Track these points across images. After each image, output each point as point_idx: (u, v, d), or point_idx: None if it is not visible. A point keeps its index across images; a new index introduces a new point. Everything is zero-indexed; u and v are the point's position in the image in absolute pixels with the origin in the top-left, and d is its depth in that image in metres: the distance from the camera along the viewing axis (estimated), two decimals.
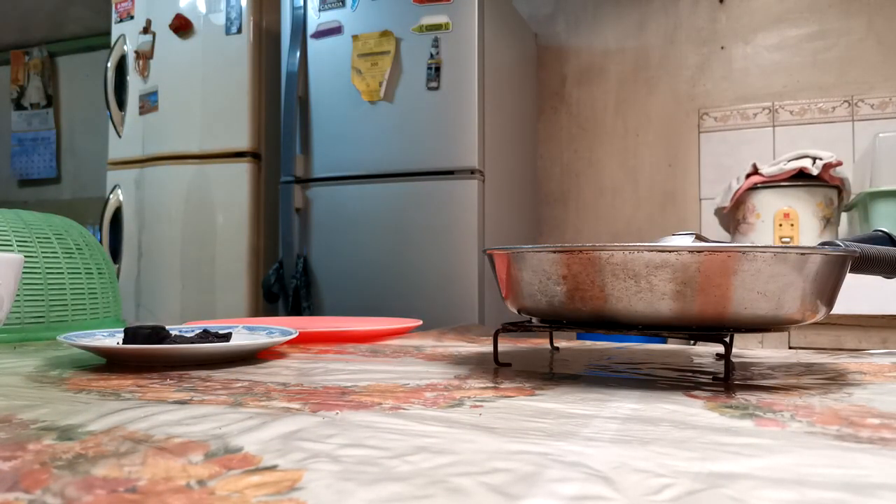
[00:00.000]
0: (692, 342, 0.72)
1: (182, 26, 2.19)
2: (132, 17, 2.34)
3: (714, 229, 2.12)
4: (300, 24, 2.01)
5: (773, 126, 2.11)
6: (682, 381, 0.45)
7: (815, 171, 1.69)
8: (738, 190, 1.78)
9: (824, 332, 1.48)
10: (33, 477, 0.24)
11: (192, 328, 0.66)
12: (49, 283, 0.74)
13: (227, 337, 0.58)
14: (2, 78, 3.37)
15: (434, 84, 1.81)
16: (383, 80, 1.89)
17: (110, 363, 0.53)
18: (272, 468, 0.25)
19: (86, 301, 0.78)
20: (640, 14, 2.23)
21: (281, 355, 0.60)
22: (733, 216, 1.85)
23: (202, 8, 2.19)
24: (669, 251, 0.41)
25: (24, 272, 0.72)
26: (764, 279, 0.41)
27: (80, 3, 3.17)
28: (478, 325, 1.21)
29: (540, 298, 0.47)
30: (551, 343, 0.64)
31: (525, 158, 2.22)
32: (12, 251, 0.71)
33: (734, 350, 0.62)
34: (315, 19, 2.01)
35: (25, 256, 0.72)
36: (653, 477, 0.24)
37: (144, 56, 2.28)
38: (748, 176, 1.79)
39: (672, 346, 0.70)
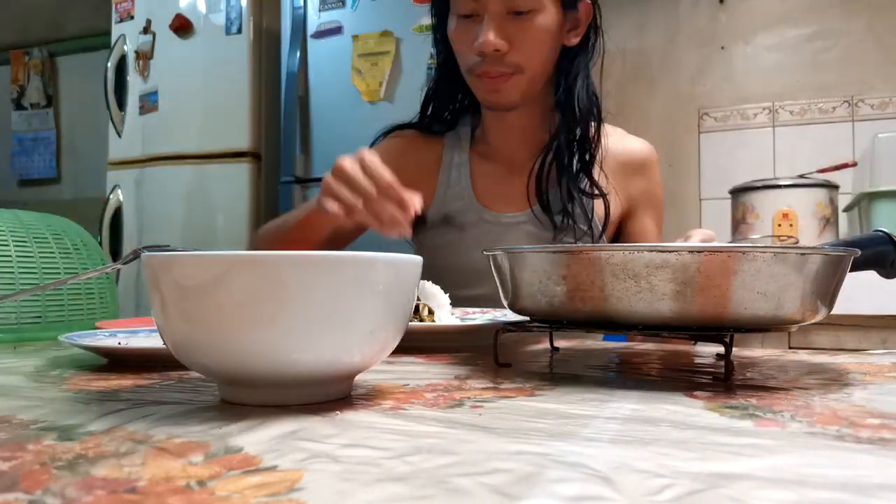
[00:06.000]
0: (692, 342, 0.72)
1: (182, 26, 2.19)
2: (132, 17, 2.34)
3: (714, 229, 2.12)
4: (300, 24, 2.01)
5: (773, 126, 2.11)
6: (682, 381, 0.45)
7: None
8: None
9: (824, 332, 1.48)
10: (33, 477, 0.24)
11: None
12: (46, 284, 0.74)
13: None
14: (2, 78, 3.37)
15: None
16: (383, 80, 1.89)
17: (110, 363, 0.53)
18: (272, 468, 0.25)
19: (83, 301, 0.78)
20: (641, 15, 2.23)
21: None
22: (732, 216, 1.85)
23: (202, 8, 2.18)
24: (669, 251, 0.41)
25: (20, 272, 0.72)
26: (764, 279, 0.41)
27: (80, 3, 3.17)
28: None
29: (540, 298, 0.47)
30: (551, 343, 0.64)
31: None
32: (9, 251, 0.71)
33: (734, 350, 0.62)
34: (315, 19, 2.01)
35: (22, 257, 0.72)
36: (653, 477, 0.24)
37: (144, 56, 2.28)
38: None
39: (672, 346, 0.70)
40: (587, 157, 0.95)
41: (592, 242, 0.94)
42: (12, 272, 0.71)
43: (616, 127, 1.05)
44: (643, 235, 1.01)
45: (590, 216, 0.93)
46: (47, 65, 3.27)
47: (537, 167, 0.92)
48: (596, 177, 0.95)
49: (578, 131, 0.94)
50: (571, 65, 0.94)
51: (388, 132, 1.07)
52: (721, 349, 0.60)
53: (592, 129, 0.96)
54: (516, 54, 0.87)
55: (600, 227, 0.95)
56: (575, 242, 0.92)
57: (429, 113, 1.02)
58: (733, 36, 2.16)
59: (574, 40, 0.94)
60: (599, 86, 0.99)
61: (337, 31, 1.98)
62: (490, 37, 0.84)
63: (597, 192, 0.93)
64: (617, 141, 1.01)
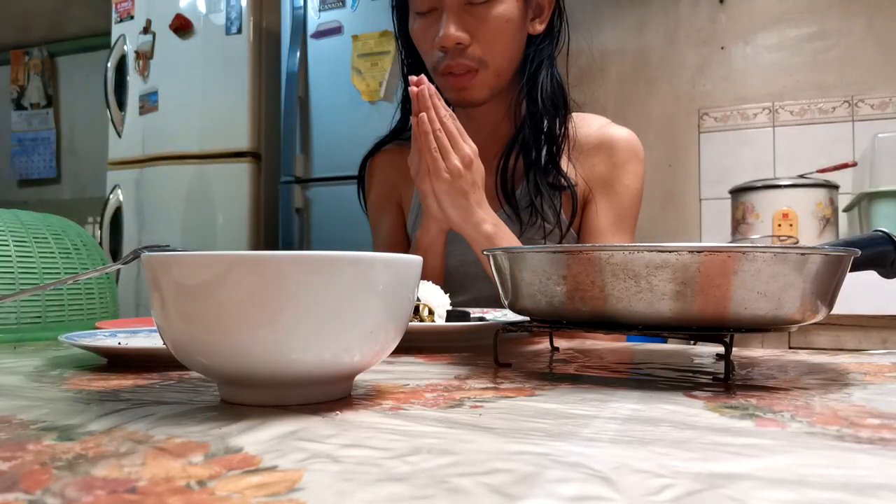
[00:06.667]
0: (692, 342, 0.72)
1: (182, 26, 2.19)
2: (132, 17, 2.34)
3: (714, 230, 2.12)
4: (300, 24, 2.01)
5: (773, 126, 2.11)
6: (682, 381, 0.45)
7: None
8: None
9: (824, 332, 1.48)
10: (33, 477, 0.24)
11: None
12: (46, 284, 0.74)
13: None
14: (2, 78, 3.37)
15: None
16: (383, 80, 1.89)
17: (110, 363, 0.53)
18: (272, 468, 0.25)
19: (83, 301, 0.78)
20: (640, 14, 2.23)
21: None
22: (732, 216, 1.85)
23: (202, 8, 2.19)
24: (669, 251, 0.41)
25: (20, 272, 0.72)
26: (764, 279, 0.41)
27: (80, 3, 3.17)
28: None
29: (540, 299, 0.47)
30: (551, 343, 0.64)
31: None
32: (9, 251, 0.71)
33: (734, 350, 0.62)
34: (315, 19, 2.01)
35: (22, 257, 0.72)
36: (653, 477, 0.24)
37: (144, 56, 2.28)
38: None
39: (672, 346, 0.70)
40: (555, 148, 0.91)
41: (561, 237, 0.91)
42: (12, 272, 0.71)
43: (603, 117, 1.00)
44: (590, 228, 0.93)
45: (558, 209, 0.90)
46: (47, 65, 3.27)
47: (502, 164, 0.91)
48: (564, 168, 0.91)
49: (545, 123, 0.91)
50: (535, 54, 0.91)
51: (370, 154, 1.06)
52: (721, 349, 0.60)
53: (559, 120, 0.92)
54: (478, 47, 0.86)
55: (567, 222, 0.91)
56: (543, 238, 0.90)
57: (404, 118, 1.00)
58: (733, 36, 2.16)
59: (539, 27, 0.92)
60: (566, 75, 0.96)
61: (337, 31, 1.98)
62: (451, 30, 0.83)
63: (564, 184, 0.90)
64: (598, 127, 0.97)
